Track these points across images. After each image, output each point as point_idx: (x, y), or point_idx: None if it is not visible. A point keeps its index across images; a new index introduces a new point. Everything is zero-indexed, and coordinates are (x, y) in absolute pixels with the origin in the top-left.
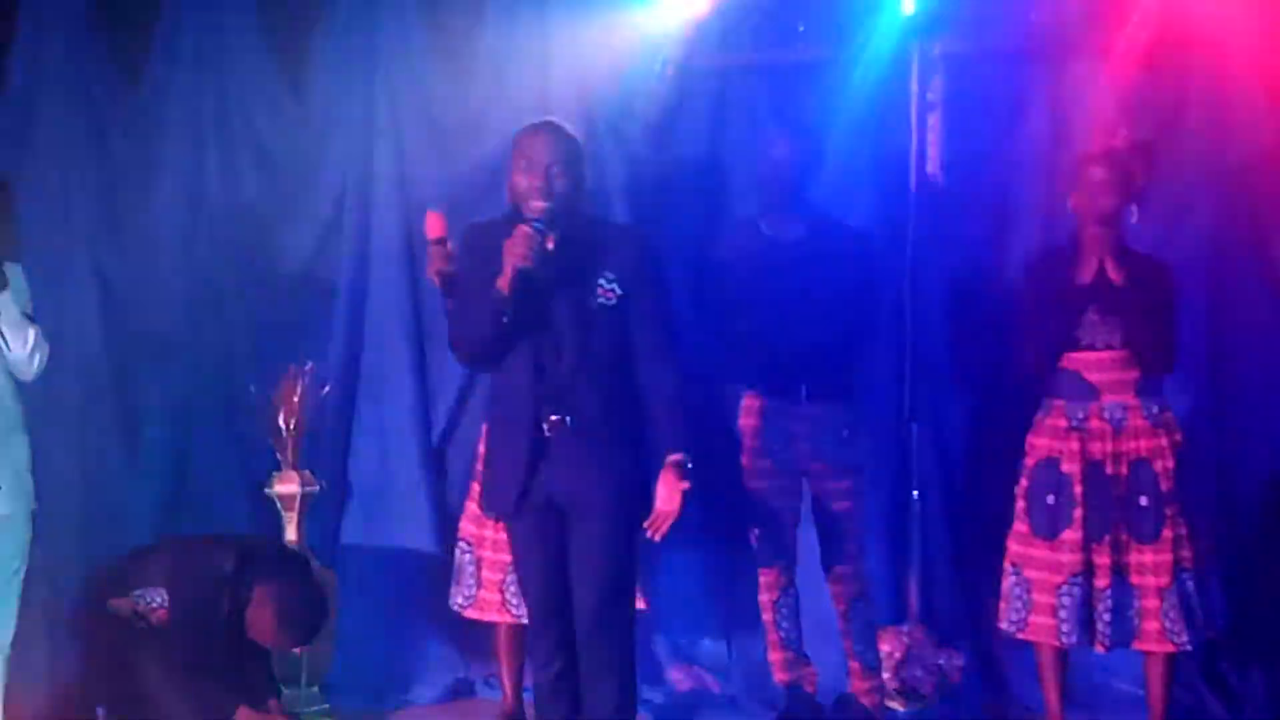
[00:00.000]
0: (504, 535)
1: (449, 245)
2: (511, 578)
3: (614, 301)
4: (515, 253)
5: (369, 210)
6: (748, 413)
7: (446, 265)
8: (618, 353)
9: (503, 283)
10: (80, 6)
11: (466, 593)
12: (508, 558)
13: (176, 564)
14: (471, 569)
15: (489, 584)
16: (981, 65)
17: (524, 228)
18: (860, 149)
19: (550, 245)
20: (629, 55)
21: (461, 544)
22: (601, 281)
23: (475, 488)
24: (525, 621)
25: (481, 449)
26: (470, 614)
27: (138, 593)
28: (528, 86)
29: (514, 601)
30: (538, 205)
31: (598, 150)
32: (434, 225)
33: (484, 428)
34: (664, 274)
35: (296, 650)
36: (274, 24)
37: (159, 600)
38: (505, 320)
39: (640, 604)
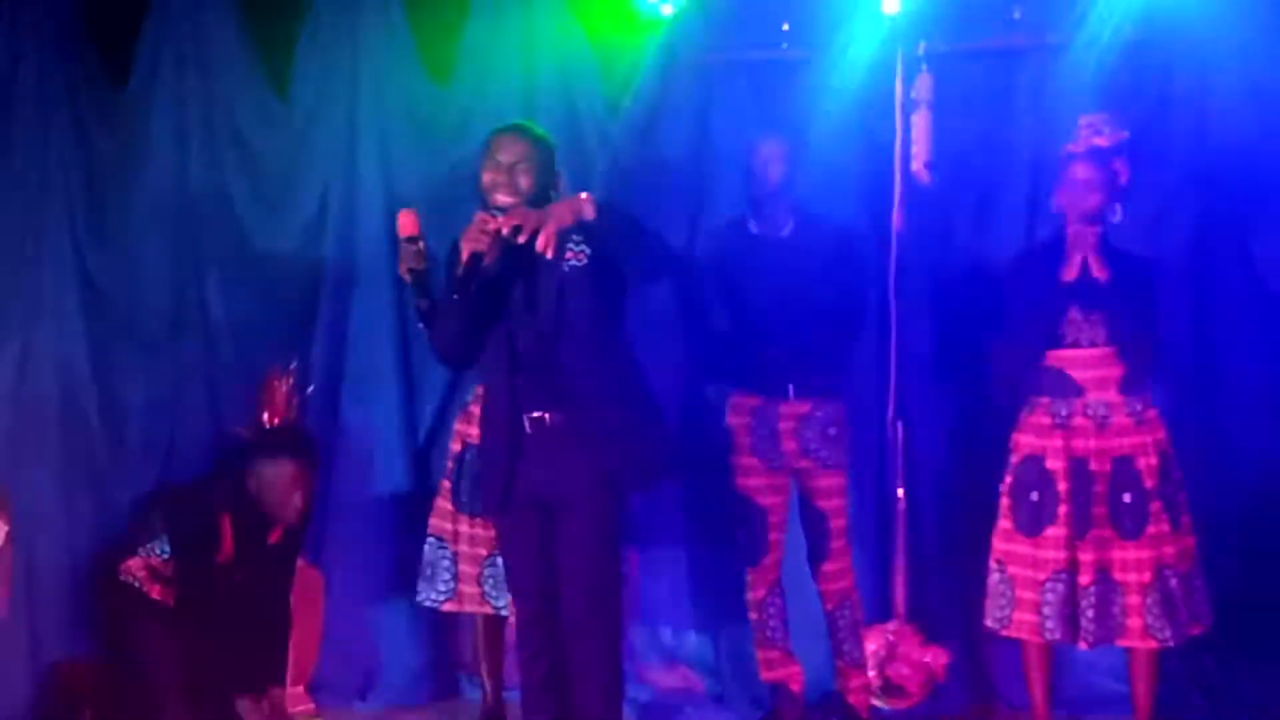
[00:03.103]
0: (478, 530)
1: (421, 244)
2: (489, 570)
3: (584, 262)
4: (469, 235)
5: (353, 209)
6: (735, 411)
7: (419, 264)
8: (594, 321)
9: (459, 269)
10: (65, 7)
11: (443, 588)
12: (484, 551)
13: (171, 504)
14: (447, 564)
15: (466, 577)
16: (965, 63)
17: (480, 213)
18: (845, 147)
19: (512, 236)
20: (613, 54)
21: (431, 540)
22: (570, 245)
23: (445, 485)
24: (504, 615)
25: (455, 447)
26: (449, 608)
27: (144, 549)
28: (511, 85)
29: (493, 594)
30: (502, 199)
31: (582, 150)
32: (407, 224)
33: (456, 427)
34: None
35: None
36: (257, 22)
37: (164, 550)
38: (456, 299)
39: None
